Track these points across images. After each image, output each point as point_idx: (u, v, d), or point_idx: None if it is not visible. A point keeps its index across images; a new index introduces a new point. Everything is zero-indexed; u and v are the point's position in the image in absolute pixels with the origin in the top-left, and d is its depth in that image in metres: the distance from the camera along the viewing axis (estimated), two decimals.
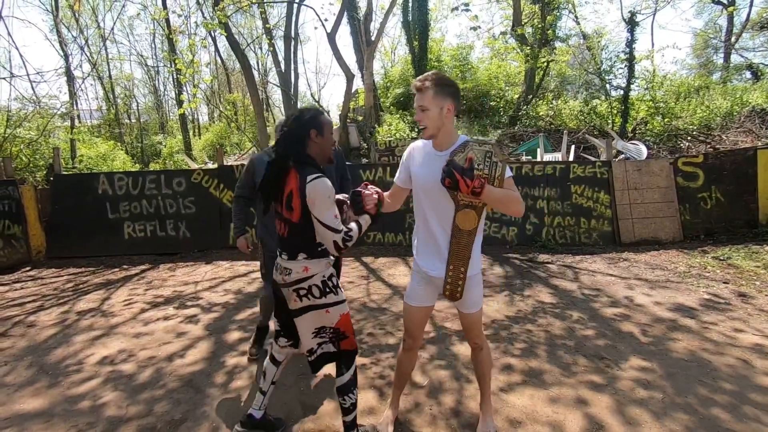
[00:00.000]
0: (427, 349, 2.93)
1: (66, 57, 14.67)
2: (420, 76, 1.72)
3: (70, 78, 14.44)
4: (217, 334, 3.31)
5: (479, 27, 10.64)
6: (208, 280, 4.81)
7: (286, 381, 2.56)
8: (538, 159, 7.81)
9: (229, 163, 7.94)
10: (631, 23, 9.78)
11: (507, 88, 14.40)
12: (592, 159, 7.73)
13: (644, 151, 7.76)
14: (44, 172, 9.76)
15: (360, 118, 12.17)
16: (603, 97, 11.23)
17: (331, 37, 9.53)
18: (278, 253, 1.85)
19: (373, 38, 11.91)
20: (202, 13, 14.51)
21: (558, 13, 13.40)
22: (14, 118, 10.31)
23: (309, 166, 1.72)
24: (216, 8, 7.65)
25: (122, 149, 15.27)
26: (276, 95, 24.58)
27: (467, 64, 14.77)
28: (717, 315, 3.36)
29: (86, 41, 17.92)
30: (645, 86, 10.74)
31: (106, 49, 19.64)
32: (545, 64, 12.65)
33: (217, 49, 20.30)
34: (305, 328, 1.79)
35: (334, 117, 13.04)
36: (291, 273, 1.74)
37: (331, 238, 1.68)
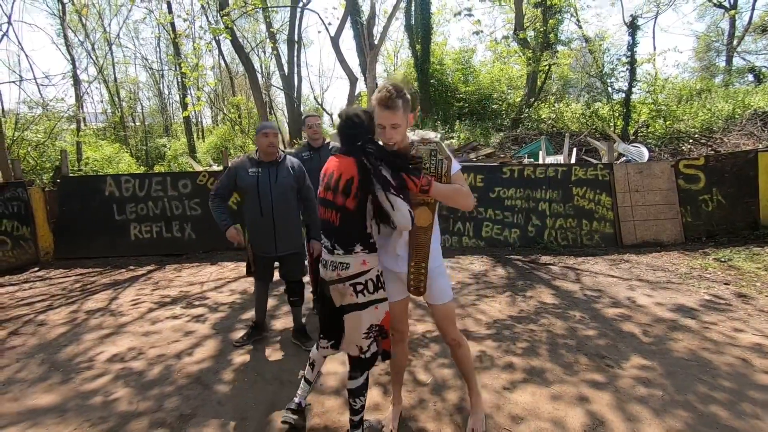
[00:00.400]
0: (431, 348, 2.98)
1: (73, 61, 14.84)
2: (383, 93, 1.69)
3: (77, 81, 14.60)
4: (223, 333, 3.37)
5: (482, 31, 10.72)
6: (213, 280, 4.87)
7: (292, 378, 2.61)
8: (540, 161, 7.85)
9: None
10: (633, 27, 9.83)
11: (509, 91, 14.47)
12: (594, 161, 7.77)
13: (646, 153, 7.79)
14: (50, 175, 9.88)
15: None
16: (605, 100, 11.26)
17: (335, 41, 9.63)
18: (326, 248, 1.82)
19: (376, 42, 12.00)
20: (207, 18, 14.67)
21: (560, 17, 13.48)
22: (21, 121, 10.45)
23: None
24: (221, 13, 7.75)
25: (127, 152, 15.42)
26: (279, 98, 24.75)
27: (469, 68, 14.85)
28: (717, 315, 3.40)
29: (93, 45, 18.13)
30: (647, 89, 10.78)
31: (111, 53, 19.86)
32: (547, 67, 12.72)
33: (220, 53, 20.50)
34: (357, 326, 1.77)
35: (336, 119, 13.12)
36: (349, 267, 1.73)
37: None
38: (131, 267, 5.64)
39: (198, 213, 6.21)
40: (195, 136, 21.86)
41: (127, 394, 2.50)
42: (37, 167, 10.03)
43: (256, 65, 19.91)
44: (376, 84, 12.65)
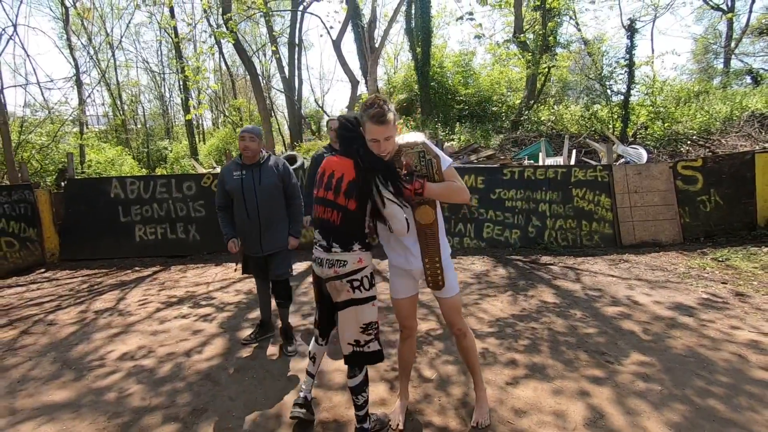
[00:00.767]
0: (435, 345, 3.04)
1: (76, 64, 14.95)
2: (376, 110, 1.74)
3: (80, 85, 14.70)
4: (231, 331, 3.43)
5: (483, 35, 10.83)
6: (218, 281, 4.94)
7: (299, 374, 2.67)
8: (540, 163, 7.94)
9: None
10: (631, 30, 9.94)
11: (509, 93, 14.58)
12: (593, 163, 7.85)
13: (644, 155, 7.87)
14: (54, 177, 9.96)
15: None
16: (604, 102, 11.35)
17: (336, 44, 9.73)
18: (322, 247, 1.85)
19: (376, 45, 12.12)
20: (208, 21, 14.77)
21: (559, 20, 13.60)
22: (26, 124, 10.53)
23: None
24: (225, 17, 7.84)
25: (129, 154, 15.50)
26: (279, 100, 24.87)
27: (469, 70, 14.96)
28: (715, 313, 3.47)
29: (95, 49, 18.23)
30: (645, 91, 10.88)
31: (114, 57, 19.96)
32: (546, 69, 12.81)
33: (222, 55, 20.60)
34: (353, 321, 1.83)
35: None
36: (347, 264, 1.79)
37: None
38: (137, 268, 5.70)
39: (202, 214, 6.28)
40: (196, 138, 21.96)
41: (139, 390, 2.56)
42: (41, 170, 10.11)
43: (257, 68, 20.03)
44: (377, 87, 12.76)
